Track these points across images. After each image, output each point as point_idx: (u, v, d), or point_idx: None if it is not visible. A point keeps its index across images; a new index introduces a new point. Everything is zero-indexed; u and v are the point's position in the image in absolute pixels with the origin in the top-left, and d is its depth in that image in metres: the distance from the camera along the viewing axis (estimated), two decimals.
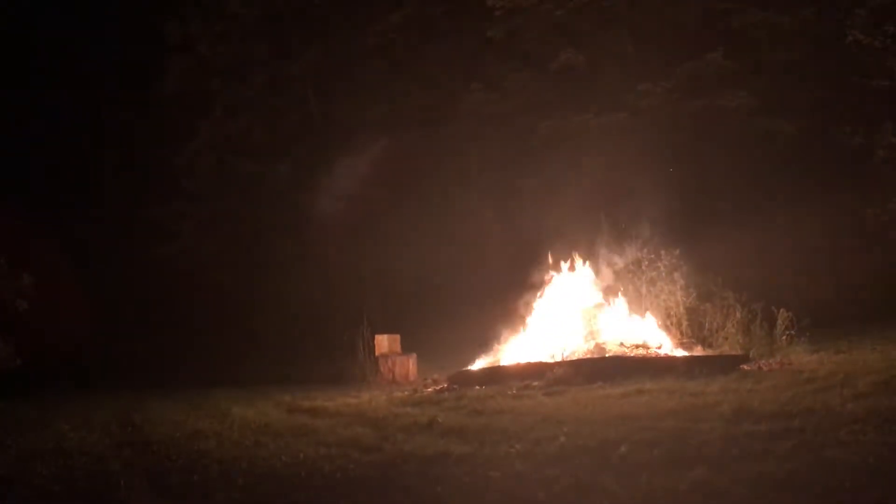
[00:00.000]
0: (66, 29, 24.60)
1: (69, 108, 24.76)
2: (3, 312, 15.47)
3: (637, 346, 11.48)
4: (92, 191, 25.27)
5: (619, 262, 13.19)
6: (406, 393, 11.61)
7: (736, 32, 18.54)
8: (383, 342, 14.47)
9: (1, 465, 7.69)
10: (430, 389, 11.66)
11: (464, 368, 12.18)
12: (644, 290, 12.80)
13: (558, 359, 11.21)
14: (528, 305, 12.82)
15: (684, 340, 12.15)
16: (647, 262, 12.99)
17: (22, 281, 15.77)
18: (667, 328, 12.38)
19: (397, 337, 14.64)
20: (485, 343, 12.80)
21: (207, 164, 24.21)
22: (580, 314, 12.03)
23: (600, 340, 11.59)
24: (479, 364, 12.34)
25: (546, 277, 12.96)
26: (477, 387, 10.79)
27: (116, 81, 24.55)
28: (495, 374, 11.20)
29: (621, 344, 11.55)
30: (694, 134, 18.02)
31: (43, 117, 24.66)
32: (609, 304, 12.41)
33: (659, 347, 11.60)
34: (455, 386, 11.32)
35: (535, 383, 10.16)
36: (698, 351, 11.75)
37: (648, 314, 12.42)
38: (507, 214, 20.09)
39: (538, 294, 12.88)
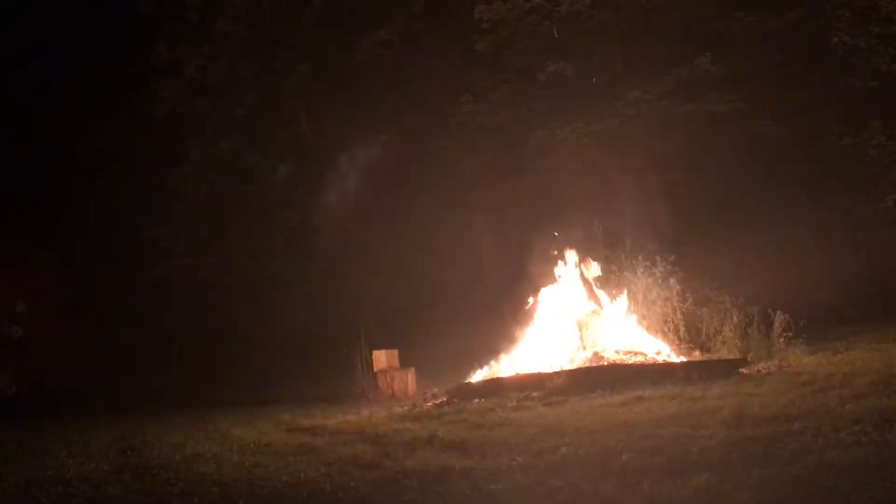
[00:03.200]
0: (54, 53, 24.63)
1: (59, 132, 24.74)
2: None
3: (635, 354, 11.48)
4: (84, 214, 25.22)
5: (615, 269, 13.20)
6: (406, 408, 11.57)
7: (723, 37, 18.61)
8: (381, 358, 14.39)
9: (0, 493, 7.63)
10: (429, 404, 11.62)
11: (463, 381, 12.16)
12: (640, 296, 12.80)
13: (557, 369, 11.19)
14: (525, 316, 12.80)
15: (682, 346, 12.15)
16: (642, 269, 13.00)
17: (16, 307, 15.73)
18: (664, 334, 12.38)
19: (395, 352, 14.56)
20: (483, 355, 12.78)
21: (199, 185, 24.21)
22: (577, 323, 12.02)
23: (598, 349, 11.58)
24: (478, 377, 12.31)
25: (542, 287, 12.95)
26: (476, 400, 10.76)
27: (105, 104, 24.54)
28: (494, 387, 11.17)
29: (619, 351, 11.54)
30: (685, 139, 18.06)
31: (32, 141, 24.63)
32: (605, 312, 12.40)
33: (657, 354, 11.60)
34: (455, 399, 11.28)
35: (535, 394, 10.13)
36: (696, 356, 11.76)
37: (645, 321, 12.41)
38: (500, 225, 20.09)
39: (535, 304, 12.88)
